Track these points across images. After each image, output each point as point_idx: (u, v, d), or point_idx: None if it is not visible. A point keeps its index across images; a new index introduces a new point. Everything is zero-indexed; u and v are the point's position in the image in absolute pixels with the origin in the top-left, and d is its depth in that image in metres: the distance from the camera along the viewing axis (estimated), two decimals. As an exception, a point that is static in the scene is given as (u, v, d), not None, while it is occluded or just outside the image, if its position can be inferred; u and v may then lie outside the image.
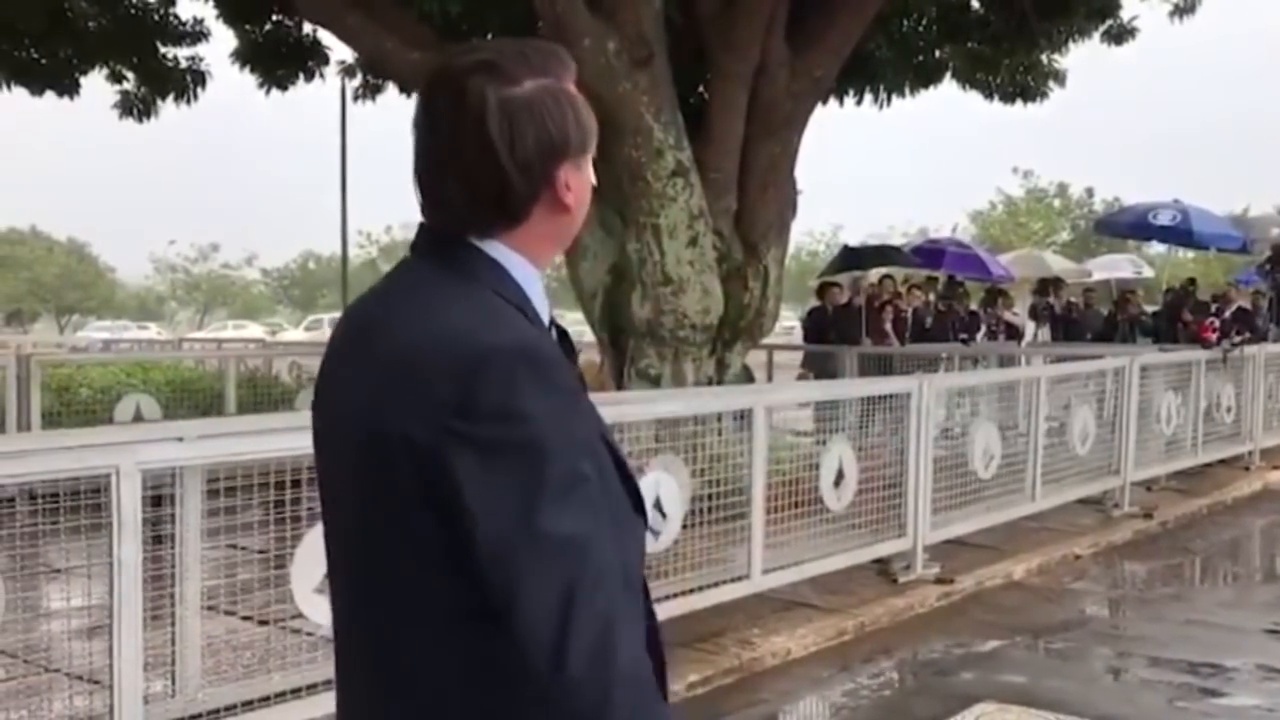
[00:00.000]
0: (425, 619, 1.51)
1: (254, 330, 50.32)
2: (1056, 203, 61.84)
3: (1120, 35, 13.80)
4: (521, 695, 1.44)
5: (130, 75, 14.10)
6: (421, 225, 1.63)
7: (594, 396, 6.07)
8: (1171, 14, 13.56)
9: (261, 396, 12.13)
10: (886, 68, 12.97)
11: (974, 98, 14.43)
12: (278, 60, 13.88)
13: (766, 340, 12.11)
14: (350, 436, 1.55)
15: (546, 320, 1.61)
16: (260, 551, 4.92)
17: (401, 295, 1.59)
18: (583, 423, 1.52)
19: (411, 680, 1.52)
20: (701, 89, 11.01)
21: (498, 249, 1.58)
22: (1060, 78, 14.25)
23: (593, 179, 1.65)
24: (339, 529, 1.63)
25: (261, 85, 14.06)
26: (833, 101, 12.95)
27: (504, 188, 1.54)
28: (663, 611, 5.94)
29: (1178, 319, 15.72)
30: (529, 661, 1.42)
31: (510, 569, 1.42)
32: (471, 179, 1.54)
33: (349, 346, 1.62)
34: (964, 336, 15.14)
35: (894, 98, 13.51)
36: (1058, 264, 23.23)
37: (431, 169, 1.57)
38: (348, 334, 1.64)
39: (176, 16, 13.80)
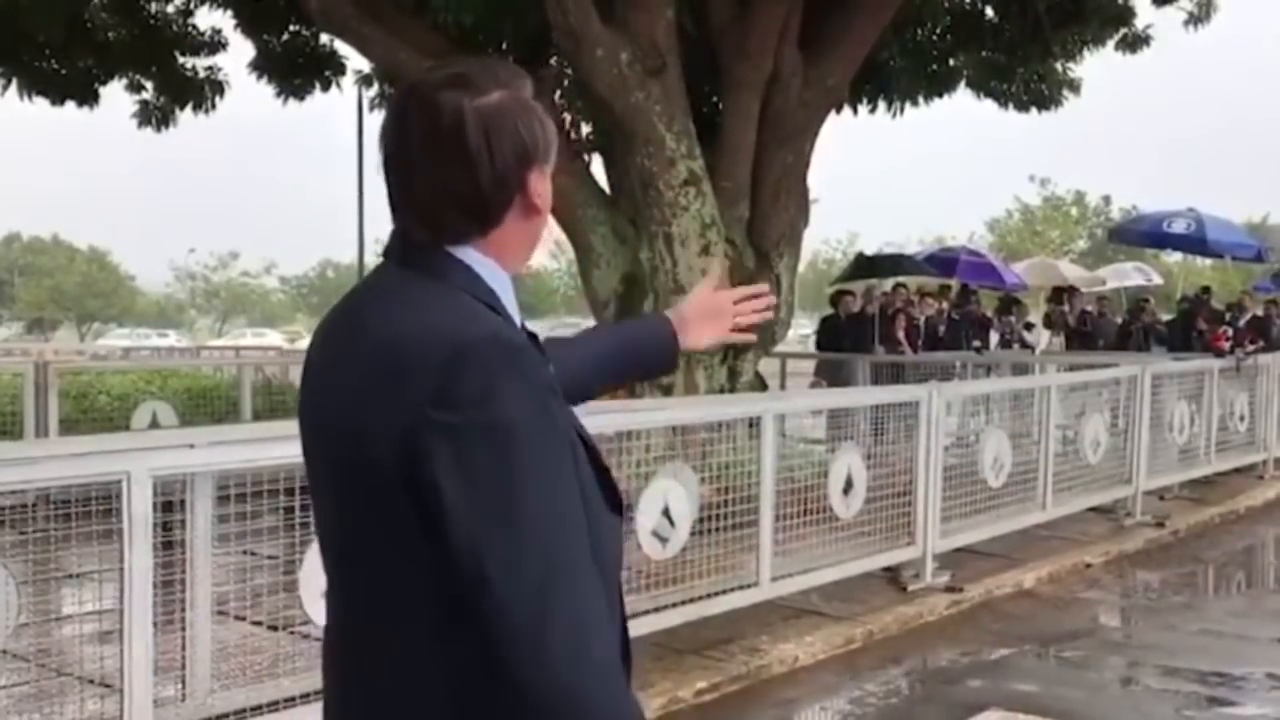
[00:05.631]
0: (417, 609, 1.54)
1: (273, 338, 50.58)
2: (1073, 211, 61.72)
3: (1135, 43, 13.81)
4: (495, 685, 1.45)
5: (149, 85, 14.23)
6: (395, 232, 1.67)
7: (608, 403, 6.06)
8: (1186, 22, 13.56)
9: (277, 404, 12.18)
10: (900, 76, 13.00)
11: (991, 106, 14.45)
12: (295, 70, 14.00)
13: (779, 348, 12.13)
14: (333, 435, 1.59)
15: (518, 324, 1.65)
16: (270, 557, 4.97)
17: (379, 298, 1.64)
18: (561, 413, 1.55)
19: (408, 671, 1.55)
20: (714, 98, 11.05)
21: (470, 254, 1.62)
22: (1075, 86, 14.26)
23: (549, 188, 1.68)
24: (326, 527, 1.68)
25: (279, 95, 14.18)
26: (850, 110, 12.97)
27: (479, 195, 1.58)
28: (671, 618, 6.01)
29: (1192, 327, 15.66)
30: (505, 653, 1.43)
31: (483, 557, 1.44)
32: (448, 188, 1.58)
33: (331, 351, 1.66)
34: (977, 345, 15.13)
35: (907, 106, 13.53)
36: (1072, 272, 23.15)
37: (407, 180, 1.61)
38: (327, 338, 1.69)
39: (195, 27, 13.94)
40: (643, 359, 2.19)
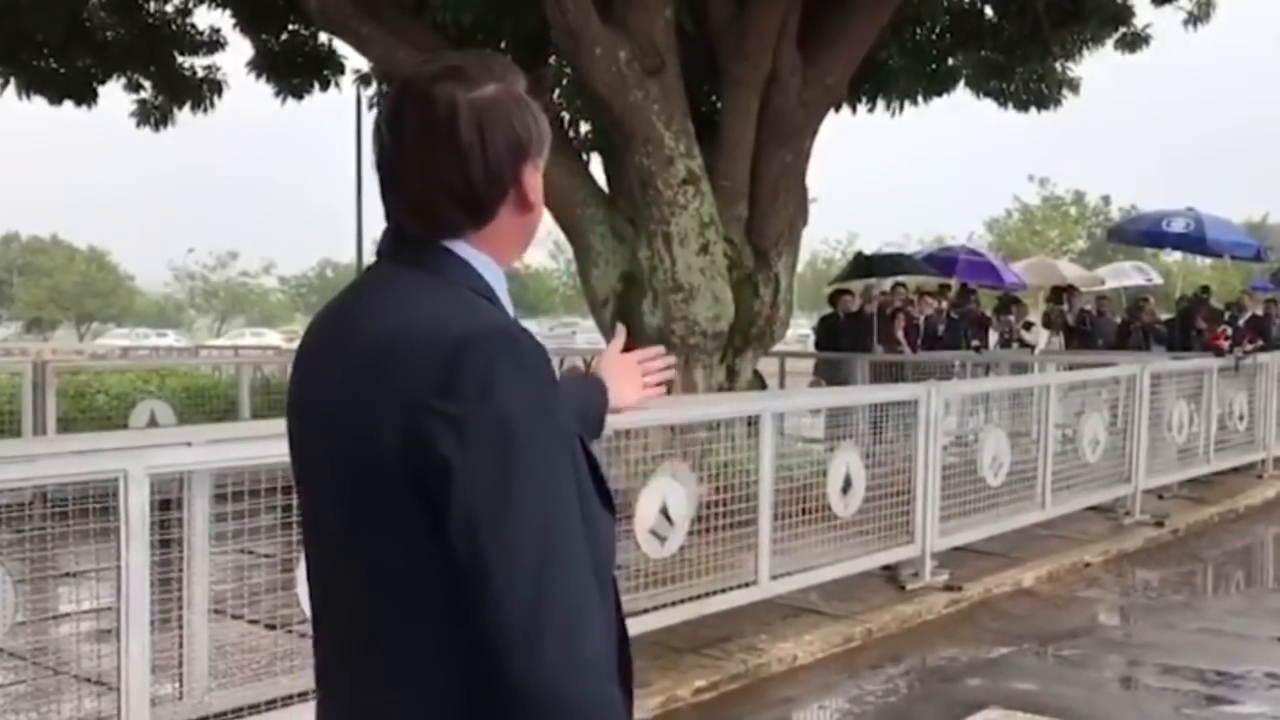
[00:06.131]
0: (420, 608, 1.53)
1: (272, 338, 50.57)
2: (1073, 210, 61.78)
3: (1134, 43, 13.80)
4: (492, 676, 1.45)
5: (147, 84, 14.22)
6: (388, 229, 1.66)
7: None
8: (1186, 22, 13.57)
9: (276, 403, 12.16)
10: (899, 75, 12.99)
11: (990, 106, 14.44)
12: (294, 69, 13.99)
13: (778, 348, 12.13)
14: (332, 432, 1.57)
15: (512, 318, 1.64)
16: (267, 556, 4.96)
17: (375, 294, 1.63)
18: (560, 408, 1.55)
19: (409, 671, 1.54)
20: (713, 97, 11.04)
21: (465, 249, 1.62)
22: (1074, 85, 14.24)
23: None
24: (321, 527, 1.66)
25: (278, 94, 14.17)
26: (849, 109, 12.95)
27: (472, 188, 1.58)
28: (670, 617, 6.00)
29: (1191, 327, 15.66)
30: (496, 643, 1.43)
31: (480, 548, 1.44)
32: (441, 181, 1.57)
33: (324, 346, 1.65)
34: (976, 344, 15.12)
35: (906, 105, 13.52)
36: (1071, 272, 23.14)
37: (400, 173, 1.61)
38: (322, 334, 1.67)
39: (193, 26, 13.92)
40: (582, 423, 2.13)
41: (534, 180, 1.63)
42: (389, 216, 1.64)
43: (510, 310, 1.65)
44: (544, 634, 1.42)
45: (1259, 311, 17.10)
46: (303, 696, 4.52)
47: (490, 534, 1.44)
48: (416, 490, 1.48)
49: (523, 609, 1.42)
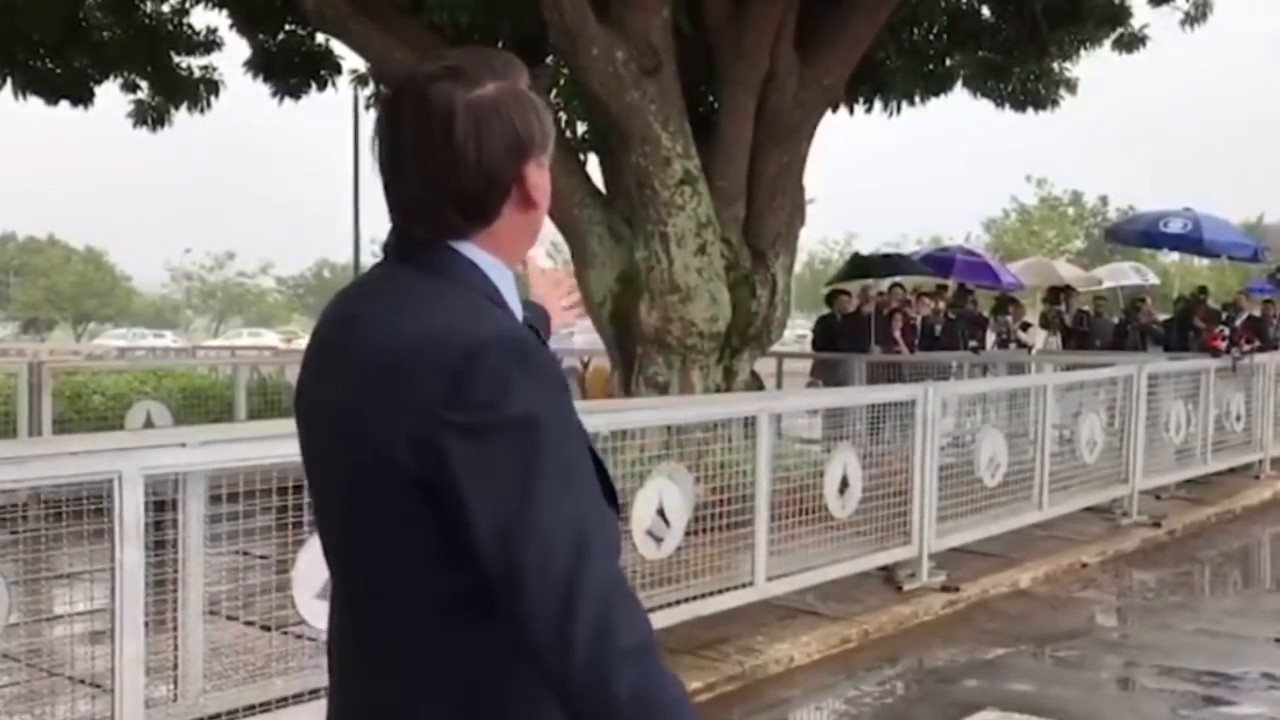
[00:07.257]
0: (423, 607, 1.54)
1: (269, 338, 50.60)
2: (1070, 211, 61.82)
3: (1131, 43, 13.82)
4: (525, 677, 1.49)
5: (144, 84, 14.21)
6: (393, 229, 1.65)
7: (603, 403, 6.08)
8: (1183, 22, 13.57)
9: (273, 404, 12.15)
10: (896, 76, 12.98)
11: (988, 106, 14.44)
12: (290, 69, 13.98)
13: (776, 348, 12.12)
14: (341, 437, 1.58)
15: (519, 318, 1.64)
16: (263, 557, 4.95)
17: (381, 297, 1.62)
18: (572, 408, 1.55)
19: (412, 667, 1.56)
20: (710, 97, 11.04)
21: (471, 249, 1.60)
22: (1071, 86, 14.25)
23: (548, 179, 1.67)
24: (331, 528, 1.67)
25: (274, 94, 14.15)
26: (847, 110, 12.94)
27: (474, 188, 1.56)
28: (666, 618, 5.98)
29: (1189, 327, 15.64)
30: (534, 645, 1.45)
31: (510, 554, 1.45)
32: (442, 182, 1.56)
33: (330, 350, 1.64)
34: (974, 344, 15.12)
35: (904, 106, 13.52)
36: (1068, 272, 23.12)
37: (401, 175, 1.59)
38: (327, 338, 1.67)
39: (190, 26, 13.91)
40: None
41: (537, 178, 1.61)
42: (392, 216, 1.64)
43: (518, 311, 1.64)
44: (577, 634, 1.43)
45: (1256, 312, 17.10)
46: (298, 698, 4.52)
47: (518, 539, 1.45)
48: (427, 496, 1.49)
49: (557, 611, 1.44)
